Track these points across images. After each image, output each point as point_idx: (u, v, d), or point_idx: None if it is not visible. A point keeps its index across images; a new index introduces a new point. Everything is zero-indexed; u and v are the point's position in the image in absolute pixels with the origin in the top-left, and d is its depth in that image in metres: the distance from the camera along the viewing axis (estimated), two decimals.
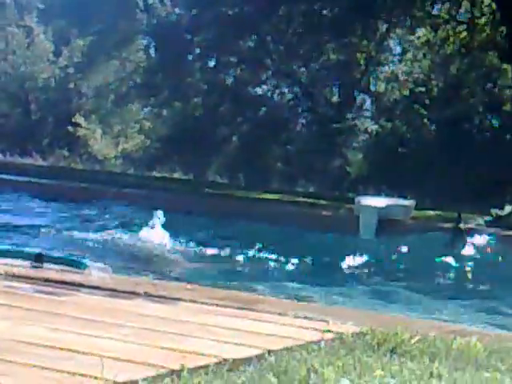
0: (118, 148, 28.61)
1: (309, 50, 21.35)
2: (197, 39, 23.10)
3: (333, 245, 6.58)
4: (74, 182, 8.60)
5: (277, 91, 23.81)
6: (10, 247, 3.29)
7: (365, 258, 5.85)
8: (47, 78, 31.32)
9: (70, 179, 9.14)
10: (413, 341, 2.09)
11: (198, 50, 23.84)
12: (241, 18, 20.95)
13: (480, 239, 8.37)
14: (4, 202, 7.64)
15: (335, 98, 22.70)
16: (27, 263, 2.97)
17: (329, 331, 2.23)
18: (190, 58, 24.05)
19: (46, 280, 2.78)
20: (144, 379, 1.81)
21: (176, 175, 20.62)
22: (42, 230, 5.12)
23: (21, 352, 1.88)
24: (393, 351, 2.02)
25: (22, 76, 31.54)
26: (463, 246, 8.12)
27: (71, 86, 30.49)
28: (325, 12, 20.50)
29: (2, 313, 2.28)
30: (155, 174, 20.44)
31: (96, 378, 1.80)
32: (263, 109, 23.33)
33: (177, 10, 24.18)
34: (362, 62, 21.49)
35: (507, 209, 10.50)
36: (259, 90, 24.04)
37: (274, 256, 4.94)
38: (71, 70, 29.85)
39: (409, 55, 22.13)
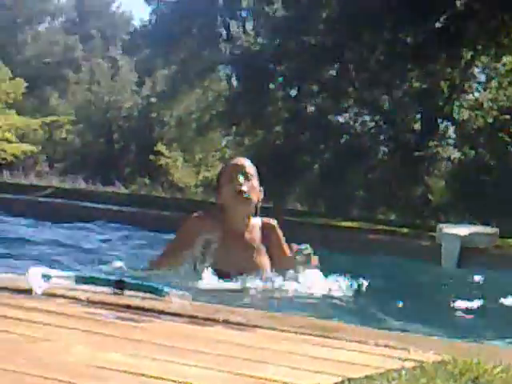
0: (199, 176, 28.89)
1: (391, 77, 21.26)
2: (279, 68, 23.21)
3: (413, 273, 6.47)
4: (155, 210, 8.67)
5: (359, 119, 23.78)
6: (91, 274, 3.32)
7: (446, 287, 5.74)
8: (130, 108, 31.88)
9: (151, 207, 9.22)
10: (496, 370, 2.03)
11: (280, 79, 23.95)
12: (323, 47, 20.99)
13: None
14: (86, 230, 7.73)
15: (417, 126, 22.53)
16: (108, 290, 3.00)
17: (409, 360, 2.19)
18: (272, 86, 24.17)
19: (127, 306, 2.80)
20: None
21: None
22: (122, 257, 5.16)
23: (100, 378, 1.90)
24: (475, 381, 1.97)
25: (105, 106, 32.14)
26: None
27: (153, 115, 30.97)
28: (408, 40, 20.39)
29: (82, 339, 2.31)
30: None
31: None
32: (345, 137, 23.34)
33: (259, 40, 24.36)
34: (445, 89, 21.29)
35: None
36: (341, 118, 24.05)
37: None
38: (154, 100, 30.32)
39: (494, 83, 21.87)
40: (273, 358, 2.19)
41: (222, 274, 4.16)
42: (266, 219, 4.54)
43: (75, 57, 42.87)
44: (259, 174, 4.40)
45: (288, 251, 4.46)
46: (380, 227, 10.55)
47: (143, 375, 1.92)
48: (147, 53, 32.09)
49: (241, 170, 4.38)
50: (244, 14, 27.24)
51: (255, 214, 4.48)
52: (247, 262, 4.34)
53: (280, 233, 4.55)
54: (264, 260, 4.42)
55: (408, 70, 20.86)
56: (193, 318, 2.68)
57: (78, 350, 2.14)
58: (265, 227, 4.50)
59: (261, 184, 4.40)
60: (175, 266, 4.24)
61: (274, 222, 4.58)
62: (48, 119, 28.16)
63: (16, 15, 46.56)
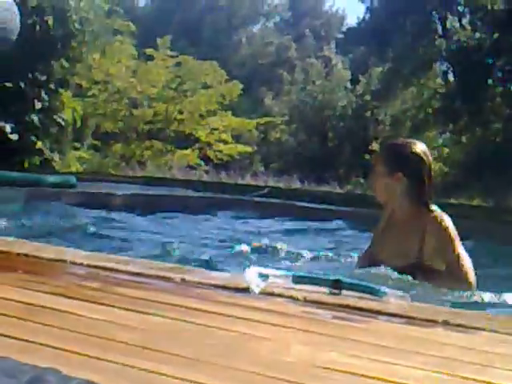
0: None
1: None
2: (498, 63, 22.60)
3: None
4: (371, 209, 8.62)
5: None
6: (308, 274, 3.35)
7: None
8: (344, 106, 31.98)
9: (366, 206, 9.20)
10: None
11: (499, 74, 23.31)
12: None
13: None
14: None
15: None
16: (325, 289, 3.02)
17: None
18: (491, 82, 23.55)
19: (344, 306, 2.81)
20: None
21: (475, 202, 20.18)
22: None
23: (321, 378, 1.91)
24: None
25: (320, 105, 32.40)
26: None
27: (368, 113, 30.94)
28: None
29: (300, 338, 2.33)
30: (452, 200, 20.11)
31: None
32: None
33: (477, 35, 23.82)
34: None
35: None
36: None
37: None
38: (368, 98, 30.31)
39: None
40: (497, 362, 2.13)
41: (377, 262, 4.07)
42: (436, 213, 4.17)
43: (289, 57, 43.51)
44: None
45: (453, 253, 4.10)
46: None
47: (364, 376, 1.91)
48: (361, 51, 32.17)
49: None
50: (460, 8, 26.68)
51: (423, 204, 4.19)
52: (399, 252, 4.15)
53: (446, 231, 4.12)
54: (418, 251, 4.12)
55: None
56: (411, 319, 2.65)
57: (297, 350, 2.17)
58: (430, 220, 4.14)
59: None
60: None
61: (441, 217, 4.16)
62: (263, 120, 28.72)
63: (231, 17, 47.88)
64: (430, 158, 4.27)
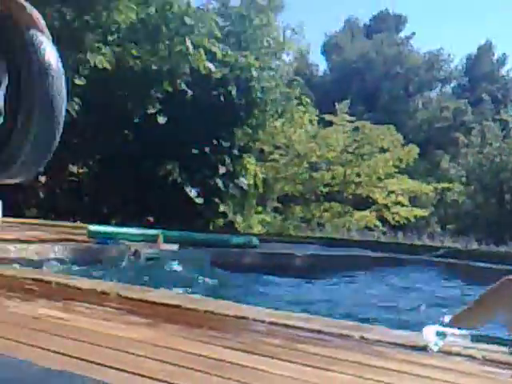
0: None
1: None
2: None
3: None
4: None
5: None
6: (487, 333, 3.26)
7: None
8: None
9: None
10: None
11: None
12: None
13: None
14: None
15: None
16: (505, 349, 2.92)
17: None
18: None
19: None
20: None
21: None
22: None
23: None
24: None
25: (496, 167, 31.71)
26: None
27: None
28: None
29: None
30: None
31: None
32: None
33: None
34: None
35: None
36: None
37: None
38: None
39: None
40: None
41: None
42: None
43: (465, 120, 43.05)
44: None
45: None
46: None
47: None
48: None
49: None
50: None
51: None
52: None
53: None
54: None
55: None
56: None
57: None
58: None
59: None
60: (474, 326, 3.88)
61: None
62: (440, 185, 28.50)
63: (407, 83, 48.00)
64: None
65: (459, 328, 3.33)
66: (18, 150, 3.77)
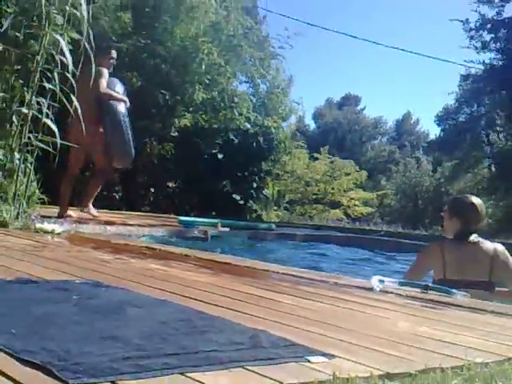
0: None
1: None
2: None
3: None
4: None
5: None
6: (407, 281, 3.21)
7: None
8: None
9: None
10: None
11: None
12: None
13: None
14: None
15: None
16: (419, 290, 2.87)
17: None
18: None
19: (430, 300, 2.67)
20: None
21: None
22: None
23: (416, 340, 1.80)
24: None
25: (413, 184, 31.37)
26: None
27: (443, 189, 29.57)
28: None
29: (404, 318, 2.23)
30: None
31: None
32: None
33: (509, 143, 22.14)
34: None
35: None
36: None
37: None
38: (442, 180, 28.98)
39: None
40: None
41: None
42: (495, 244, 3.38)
43: (395, 157, 43.21)
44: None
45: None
46: None
47: (441, 340, 1.80)
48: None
49: None
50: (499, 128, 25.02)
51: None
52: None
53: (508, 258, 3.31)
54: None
55: None
56: (471, 309, 2.50)
57: (403, 324, 2.09)
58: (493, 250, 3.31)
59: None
60: (417, 279, 3.28)
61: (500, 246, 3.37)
62: (380, 194, 28.51)
63: (361, 136, 47.95)
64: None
65: (404, 279, 3.27)
66: (113, 149, 5.51)
